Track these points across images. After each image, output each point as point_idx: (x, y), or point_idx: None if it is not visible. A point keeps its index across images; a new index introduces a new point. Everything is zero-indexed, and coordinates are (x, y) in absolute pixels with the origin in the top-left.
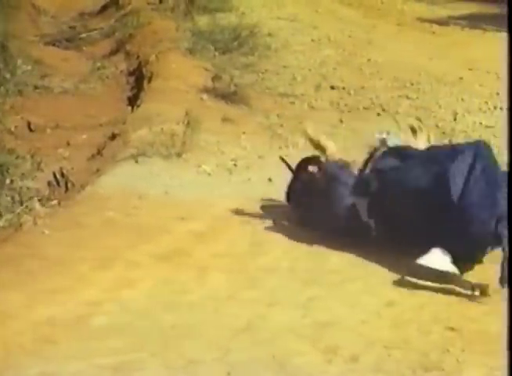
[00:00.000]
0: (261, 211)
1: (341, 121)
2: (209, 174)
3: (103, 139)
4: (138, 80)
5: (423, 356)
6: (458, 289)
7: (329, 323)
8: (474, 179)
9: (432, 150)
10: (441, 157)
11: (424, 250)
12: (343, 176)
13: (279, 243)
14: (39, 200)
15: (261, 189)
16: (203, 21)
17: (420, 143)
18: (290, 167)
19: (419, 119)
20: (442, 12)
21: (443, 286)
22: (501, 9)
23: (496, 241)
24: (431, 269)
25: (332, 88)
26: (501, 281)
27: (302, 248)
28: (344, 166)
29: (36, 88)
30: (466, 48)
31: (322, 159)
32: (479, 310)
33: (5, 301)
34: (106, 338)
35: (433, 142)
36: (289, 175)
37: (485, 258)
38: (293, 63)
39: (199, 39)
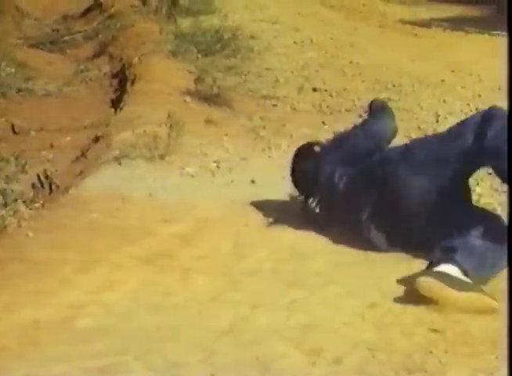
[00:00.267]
0: (244, 213)
1: (324, 123)
2: (192, 176)
3: (87, 142)
4: (122, 82)
5: (407, 357)
6: (487, 298)
7: (312, 325)
8: None
9: None
10: None
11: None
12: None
13: (263, 245)
14: (23, 203)
15: (244, 191)
16: (185, 24)
17: None
18: None
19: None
20: (424, 14)
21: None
22: (483, 11)
23: None
24: (453, 277)
25: (314, 90)
26: None
27: (285, 250)
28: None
29: (20, 90)
30: (448, 51)
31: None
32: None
33: None
34: (91, 341)
35: None
36: (272, 177)
37: None
38: (275, 65)
39: (182, 42)
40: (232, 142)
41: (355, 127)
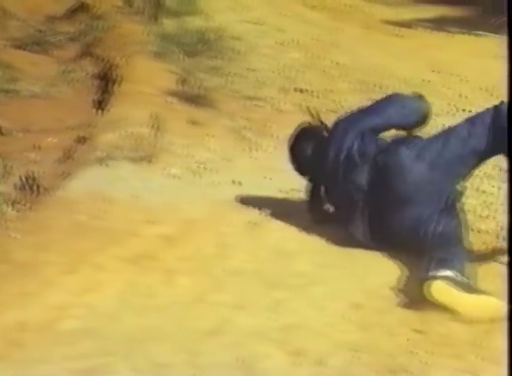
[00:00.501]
0: (228, 214)
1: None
2: (176, 177)
3: (71, 143)
4: (106, 83)
5: (390, 358)
6: (496, 300)
7: (296, 326)
8: None
9: None
10: None
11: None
12: None
13: (246, 245)
14: (8, 204)
15: (228, 191)
16: (170, 24)
17: None
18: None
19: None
20: (408, 14)
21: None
22: (467, 12)
23: None
24: (459, 280)
25: (298, 90)
26: None
27: (269, 251)
28: None
29: (4, 91)
30: (431, 51)
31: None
32: (445, 312)
33: None
34: (75, 342)
35: None
36: (256, 177)
37: None
38: (259, 66)
39: (166, 42)
40: (216, 143)
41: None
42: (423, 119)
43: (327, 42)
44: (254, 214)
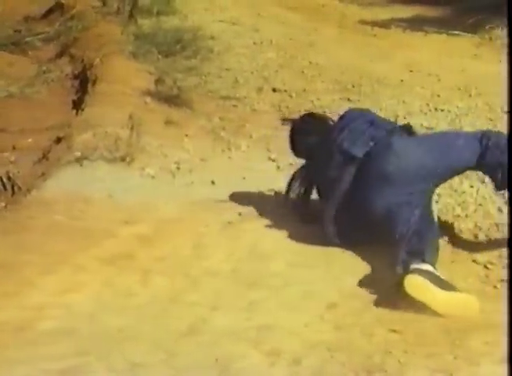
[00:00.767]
0: (204, 214)
1: (283, 124)
2: (152, 177)
3: (49, 143)
4: (83, 83)
5: (366, 358)
6: (472, 298)
7: (272, 326)
8: None
9: None
10: None
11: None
12: None
13: (223, 245)
14: None
15: (205, 191)
16: (146, 24)
17: None
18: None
19: None
20: (384, 14)
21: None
22: (443, 12)
23: None
24: (436, 275)
25: (274, 90)
26: None
27: (245, 251)
28: None
29: None
30: (407, 51)
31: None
32: (421, 312)
33: None
34: (53, 343)
35: None
36: (232, 178)
37: None
38: (235, 66)
39: (142, 42)
40: (192, 143)
41: None
42: None
43: (303, 42)
44: (229, 214)
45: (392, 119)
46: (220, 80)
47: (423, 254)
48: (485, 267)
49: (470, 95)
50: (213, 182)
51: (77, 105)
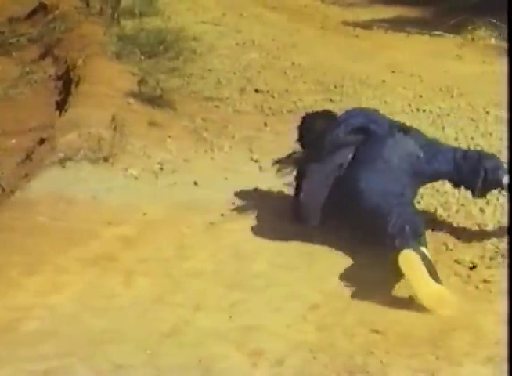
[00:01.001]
0: (187, 215)
1: (265, 125)
2: (136, 178)
3: (32, 144)
4: (66, 84)
5: (348, 358)
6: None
7: (254, 327)
8: None
9: None
10: None
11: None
12: None
13: (205, 246)
14: None
15: (187, 192)
16: (129, 25)
17: None
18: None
19: None
20: (366, 15)
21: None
22: (424, 13)
23: None
24: (430, 261)
25: (256, 91)
26: None
27: (227, 252)
28: None
29: None
30: (389, 51)
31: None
32: (403, 313)
33: None
34: (36, 343)
35: None
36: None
37: None
38: (218, 66)
39: (125, 43)
40: (175, 144)
41: None
42: None
43: (286, 43)
44: (212, 214)
45: None
46: (203, 81)
47: (420, 237)
48: (468, 267)
49: (452, 96)
50: (196, 183)
51: (61, 106)
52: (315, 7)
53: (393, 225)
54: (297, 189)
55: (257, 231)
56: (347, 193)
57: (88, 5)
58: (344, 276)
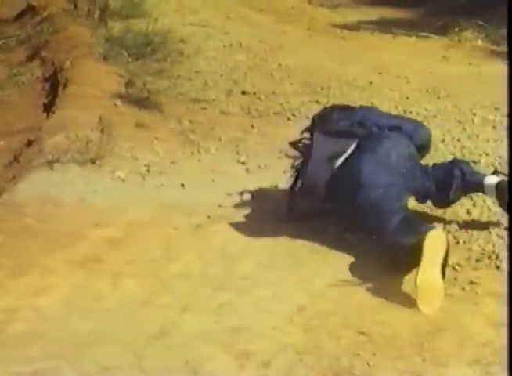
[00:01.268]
0: (174, 217)
1: (252, 126)
2: (123, 180)
3: (20, 146)
4: (54, 86)
5: (335, 360)
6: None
7: (241, 329)
8: None
9: None
10: None
11: None
12: None
13: (192, 248)
14: None
15: (174, 194)
16: (116, 27)
17: None
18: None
19: None
20: (353, 17)
21: None
22: (410, 14)
23: None
24: None
25: (243, 93)
26: None
27: (214, 253)
28: None
29: None
30: (376, 53)
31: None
32: (390, 314)
33: None
34: (23, 345)
35: None
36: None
37: None
38: (205, 68)
39: (112, 45)
40: (162, 146)
41: None
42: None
43: (272, 45)
44: (199, 216)
45: None
46: (190, 83)
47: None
48: (454, 269)
49: (438, 98)
50: (182, 185)
51: (48, 108)
52: (302, 9)
53: (399, 220)
54: (301, 169)
55: (244, 232)
56: (348, 183)
57: (75, 6)
58: (330, 278)
